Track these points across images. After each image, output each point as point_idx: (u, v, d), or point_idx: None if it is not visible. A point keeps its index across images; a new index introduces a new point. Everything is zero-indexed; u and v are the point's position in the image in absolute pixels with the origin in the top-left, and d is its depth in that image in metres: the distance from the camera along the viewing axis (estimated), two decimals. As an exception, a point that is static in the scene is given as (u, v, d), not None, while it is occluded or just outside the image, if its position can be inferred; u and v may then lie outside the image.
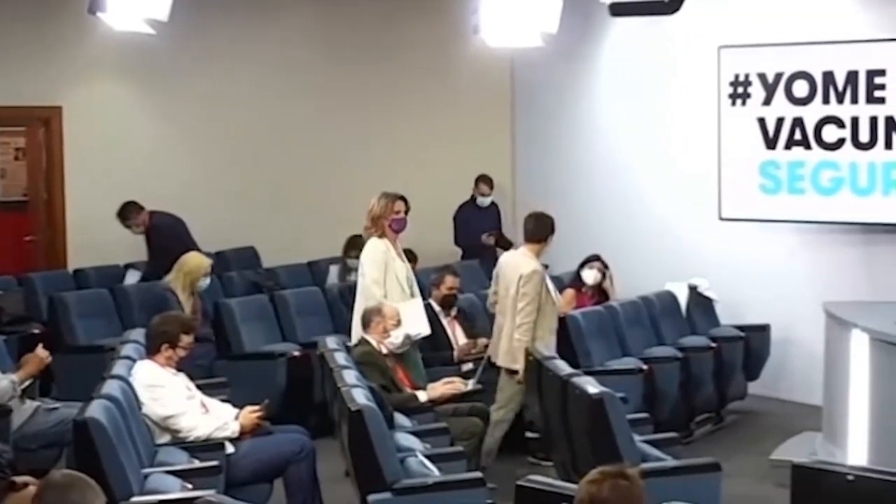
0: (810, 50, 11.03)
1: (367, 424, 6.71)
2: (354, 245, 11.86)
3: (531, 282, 8.78)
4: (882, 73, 10.63)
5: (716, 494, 6.66)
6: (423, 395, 8.62)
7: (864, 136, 10.74)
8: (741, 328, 11.00)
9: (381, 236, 9.07)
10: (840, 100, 10.85)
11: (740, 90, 11.39)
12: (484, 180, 13.43)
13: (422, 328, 9.01)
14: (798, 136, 11.10)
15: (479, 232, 13.25)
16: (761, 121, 11.27)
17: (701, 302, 11.34)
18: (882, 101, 10.64)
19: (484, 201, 13.42)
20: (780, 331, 11.11)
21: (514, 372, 8.86)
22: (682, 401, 10.06)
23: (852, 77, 10.77)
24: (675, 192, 12.22)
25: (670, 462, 7.01)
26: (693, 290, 11.30)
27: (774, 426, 10.19)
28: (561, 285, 11.50)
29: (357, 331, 8.96)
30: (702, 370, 10.30)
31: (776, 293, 11.37)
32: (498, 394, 9.07)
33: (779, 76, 11.15)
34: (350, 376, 7.58)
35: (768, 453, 9.34)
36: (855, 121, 10.79)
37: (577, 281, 11.07)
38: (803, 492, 5.61)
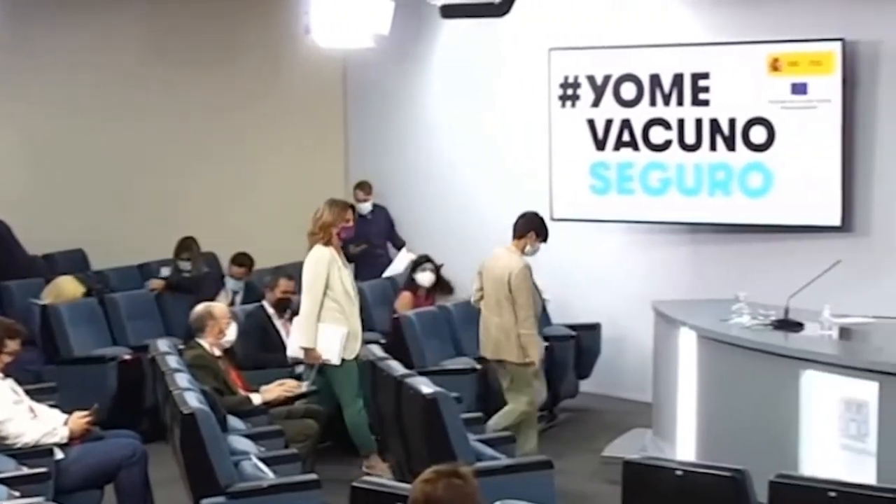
0: (637, 53, 11.21)
1: (199, 428, 6.64)
2: (186, 247, 11.75)
3: (522, 276, 8.91)
4: (706, 76, 10.86)
5: (549, 492, 6.73)
6: (256, 398, 8.57)
7: (689, 138, 10.96)
8: (573, 327, 11.12)
9: (326, 243, 8.93)
10: (666, 102, 11.05)
11: (570, 92, 11.52)
12: (360, 187, 13.00)
13: (332, 355, 8.90)
14: (626, 137, 11.27)
15: (366, 240, 12.70)
16: (590, 122, 11.41)
17: (532, 302, 11.44)
18: (706, 103, 10.86)
19: (363, 208, 12.83)
20: (611, 329, 11.27)
21: (524, 364, 8.95)
22: (515, 399, 10.14)
23: (678, 80, 10.98)
24: (507, 193, 12.31)
25: (504, 460, 7.07)
26: (525, 290, 11.40)
27: (606, 423, 10.33)
28: (395, 287, 11.54)
29: (295, 338, 8.98)
30: (533, 369, 10.39)
31: (607, 292, 11.53)
32: (507, 392, 9.11)
33: (607, 78, 11.31)
34: (182, 379, 7.50)
35: (600, 450, 9.47)
36: (681, 123, 11.00)
37: (411, 283, 11.10)
38: (634, 488, 5.69)
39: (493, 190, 12.46)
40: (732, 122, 10.76)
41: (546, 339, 10.71)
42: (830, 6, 10.46)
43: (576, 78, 11.46)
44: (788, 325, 8.05)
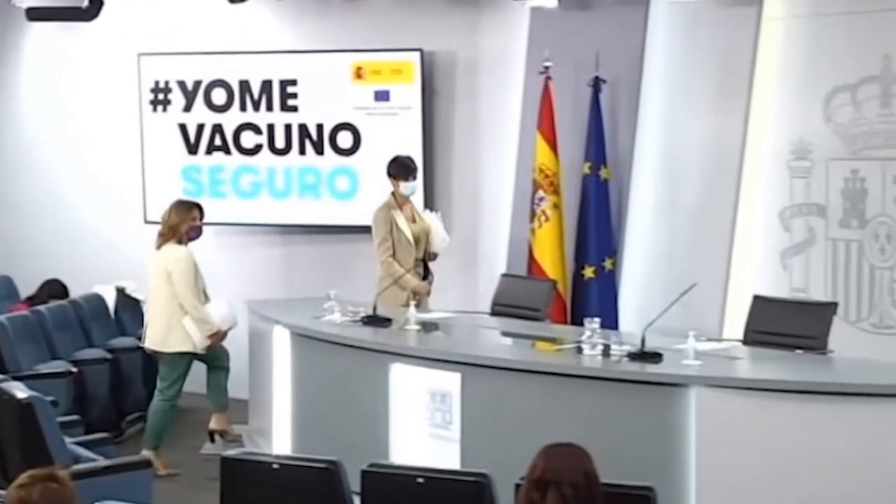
0: (227, 59, 11.18)
1: None
2: None
3: (375, 219, 9.17)
4: (294, 83, 10.95)
5: (147, 491, 6.61)
6: None
7: (280, 143, 11.02)
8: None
9: (179, 242, 9.02)
10: (256, 108, 11.07)
11: (161, 97, 11.37)
12: None
13: (231, 321, 9.16)
14: (218, 141, 11.23)
15: None
16: (182, 127, 11.30)
17: (129, 303, 11.22)
18: (295, 109, 10.96)
19: None
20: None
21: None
22: (113, 401, 9.94)
23: (267, 86, 11.03)
24: (100, 197, 12.04)
25: (102, 462, 6.89)
26: (121, 291, 11.18)
27: (204, 421, 10.20)
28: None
29: (195, 331, 8.95)
30: (131, 370, 10.21)
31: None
32: None
33: (198, 84, 11.23)
34: None
35: (198, 448, 9.39)
36: (271, 128, 11.05)
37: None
38: (232, 483, 5.65)
39: (86, 194, 12.14)
40: (320, 127, 10.91)
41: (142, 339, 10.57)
42: (409, 19, 10.76)
43: (166, 83, 11.33)
44: (377, 320, 8.19)
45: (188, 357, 9.07)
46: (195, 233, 9.17)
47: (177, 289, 8.91)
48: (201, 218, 9.26)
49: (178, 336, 8.95)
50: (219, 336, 9.06)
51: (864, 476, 6.12)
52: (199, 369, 10.56)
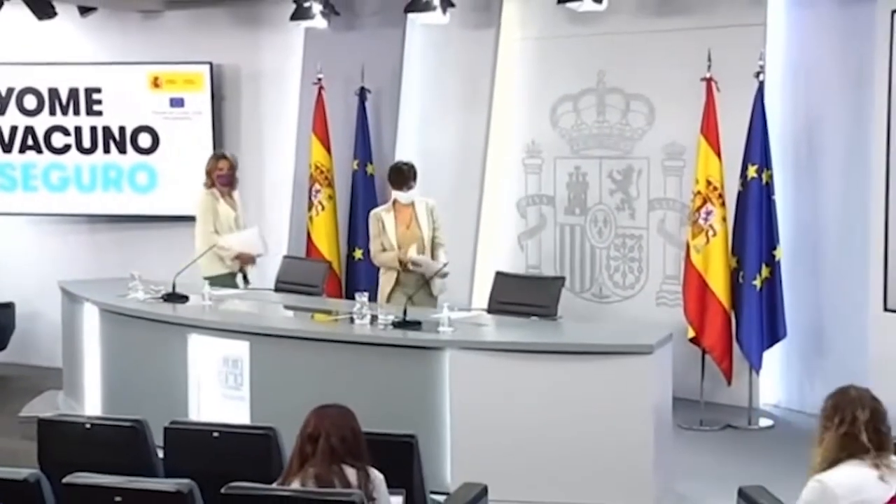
0: (38, 69, 10.84)
1: None
2: None
3: (369, 221, 8.49)
4: (98, 90, 10.71)
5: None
6: None
7: (86, 143, 10.77)
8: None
9: (210, 186, 9.01)
10: (65, 112, 10.78)
11: (-22, 102, 11.00)
12: None
13: (260, 248, 9.05)
14: (30, 142, 10.88)
15: None
16: (-3, 129, 10.97)
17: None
18: (100, 113, 10.72)
19: None
20: (25, 306, 10.85)
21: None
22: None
23: (74, 93, 10.75)
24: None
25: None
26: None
27: (23, 388, 9.93)
28: None
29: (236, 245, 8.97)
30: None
31: (20, 275, 11.07)
32: None
33: (11, 91, 10.86)
34: None
35: (18, 411, 9.12)
36: (78, 130, 10.78)
37: None
38: (48, 442, 5.54)
39: None
40: (122, 129, 10.71)
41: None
42: (200, 35, 10.67)
43: (-21, 91, 10.96)
44: (176, 297, 8.09)
45: (220, 278, 8.79)
46: (222, 180, 9.07)
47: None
48: (229, 168, 9.10)
49: (205, 263, 8.79)
50: (243, 258, 8.96)
51: (586, 419, 6.34)
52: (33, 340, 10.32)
